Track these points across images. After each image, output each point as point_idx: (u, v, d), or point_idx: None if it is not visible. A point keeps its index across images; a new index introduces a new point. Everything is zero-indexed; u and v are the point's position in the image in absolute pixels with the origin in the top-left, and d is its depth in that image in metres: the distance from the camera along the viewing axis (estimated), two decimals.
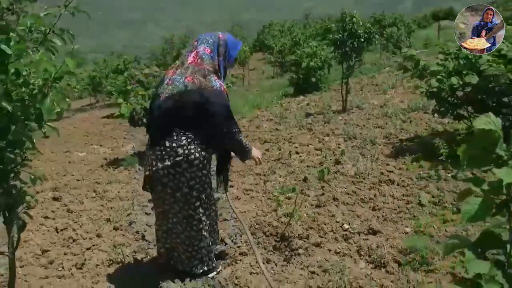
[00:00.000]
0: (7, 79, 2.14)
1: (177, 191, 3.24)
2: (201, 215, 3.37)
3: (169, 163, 3.19)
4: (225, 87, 3.32)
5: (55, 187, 6.49)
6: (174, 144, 3.19)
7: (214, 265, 3.57)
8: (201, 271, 3.51)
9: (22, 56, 2.14)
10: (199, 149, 3.22)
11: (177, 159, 3.18)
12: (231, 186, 5.68)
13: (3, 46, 1.97)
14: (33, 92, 2.21)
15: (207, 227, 3.45)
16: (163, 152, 3.22)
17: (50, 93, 2.20)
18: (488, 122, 1.59)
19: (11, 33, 2.03)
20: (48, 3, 2.59)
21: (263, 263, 3.75)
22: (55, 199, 5.95)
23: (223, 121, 3.24)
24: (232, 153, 3.65)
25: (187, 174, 3.21)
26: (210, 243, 3.54)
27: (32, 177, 2.68)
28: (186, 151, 3.18)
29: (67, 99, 2.28)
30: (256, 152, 3.59)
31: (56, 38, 2.49)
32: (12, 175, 2.68)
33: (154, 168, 3.27)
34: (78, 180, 6.93)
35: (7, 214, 2.75)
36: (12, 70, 2.16)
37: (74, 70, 2.20)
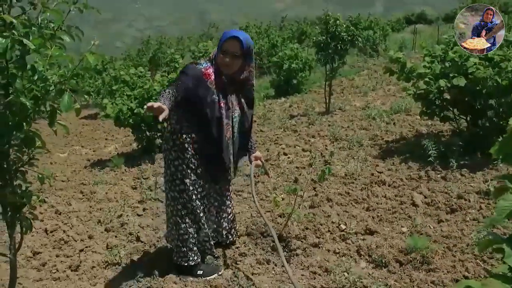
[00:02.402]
0: (24, 74, 2.10)
1: (168, 168, 3.44)
2: (185, 200, 3.42)
3: (164, 137, 3.51)
4: (211, 73, 3.34)
5: (40, 188, 6.34)
6: (168, 121, 3.43)
7: (199, 260, 3.57)
8: (185, 264, 3.53)
9: (40, 51, 2.09)
10: (182, 131, 3.35)
11: (167, 135, 3.45)
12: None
13: (26, 41, 1.92)
14: (50, 89, 2.16)
15: (193, 217, 3.46)
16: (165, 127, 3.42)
17: (68, 90, 2.15)
18: None
19: (32, 28, 1.99)
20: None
21: (264, 263, 3.76)
22: (41, 200, 5.82)
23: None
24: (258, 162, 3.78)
25: (172, 152, 3.39)
26: (197, 235, 3.53)
27: (40, 176, 2.62)
28: (172, 129, 3.39)
29: (86, 96, 2.23)
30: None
31: (65, 35, 2.44)
32: (18, 174, 2.62)
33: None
34: (63, 181, 6.81)
35: (9, 214, 2.69)
36: (29, 66, 2.11)
37: (94, 66, 2.16)
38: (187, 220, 3.45)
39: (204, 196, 3.56)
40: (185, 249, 3.50)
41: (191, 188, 3.40)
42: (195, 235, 3.52)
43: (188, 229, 3.47)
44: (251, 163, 3.80)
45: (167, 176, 3.47)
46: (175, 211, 3.46)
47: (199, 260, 3.58)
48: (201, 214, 3.51)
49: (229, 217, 3.85)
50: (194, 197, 3.43)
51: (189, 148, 3.37)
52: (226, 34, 3.38)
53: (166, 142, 3.44)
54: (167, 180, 3.47)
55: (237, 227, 4.12)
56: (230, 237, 3.93)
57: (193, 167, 3.40)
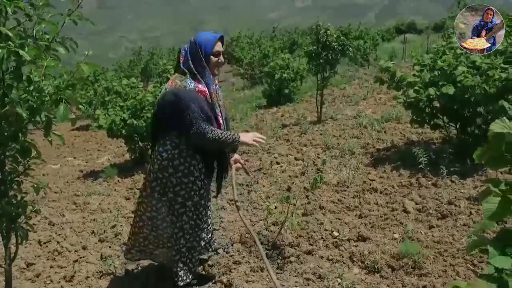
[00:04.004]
0: (20, 85, 2.14)
1: (164, 196, 3.30)
2: (183, 223, 3.35)
3: (157, 167, 3.27)
4: (204, 89, 3.22)
5: (33, 199, 6.33)
6: (160, 149, 3.27)
7: (193, 277, 3.54)
8: (181, 284, 3.47)
9: (36, 62, 2.13)
10: (184, 154, 3.24)
11: (163, 163, 3.24)
12: (214, 197, 5.66)
13: (22, 52, 1.96)
14: (45, 99, 2.19)
15: (188, 237, 3.41)
16: (153, 156, 3.33)
17: (63, 100, 2.19)
18: (503, 126, 1.67)
19: (28, 39, 2.03)
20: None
21: (258, 271, 3.79)
22: (36, 210, 5.82)
23: (191, 121, 3.10)
24: (237, 164, 3.67)
25: (173, 179, 3.25)
26: (189, 254, 3.48)
27: (35, 186, 2.65)
28: (170, 156, 3.23)
29: (81, 106, 2.27)
30: (247, 137, 3.30)
31: (60, 46, 2.48)
32: (13, 184, 2.65)
33: (147, 171, 3.38)
34: (56, 193, 6.81)
35: (5, 225, 2.71)
36: (25, 77, 2.15)
37: (87, 77, 2.20)
38: (181, 241, 3.42)
39: (204, 215, 3.54)
40: (178, 267, 3.48)
41: (192, 209, 3.34)
42: (187, 254, 3.47)
43: (181, 249, 3.43)
44: (230, 167, 3.70)
45: (161, 203, 3.34)
46: (171, 232, 3.41)
47: (191, 277, 3.55)
48: (199, 232, 3.48)
49: (209, 227, 3.77)
50: (195, 216, 3.38)
51: (194, 170, 3.29)
52: (209, 37, 3.32)
53: (163, 170, 3.25)
54: (162, 206, 3.35)
55: (215, 239, 4.09)
56: (209, 248, 3.83)
57: (197, 188, 3.32)
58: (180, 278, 3.45)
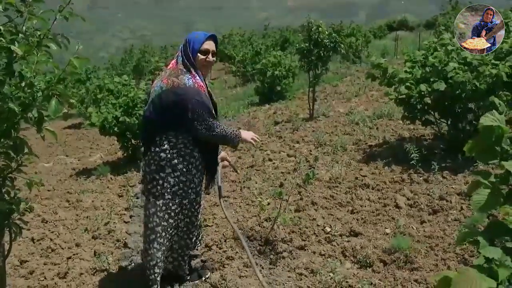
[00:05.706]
0: (12, 81, 2.13)
1: (159, 199, 3.23)
2: (179, 221, 3.35)
3: (154, 168, 3.21)
4: (202, 83, 3.22)
5: (25, 197, 6.31)
6: (157, 149, 3.20)
7: (185, 273, 3.59)
8: (182, 274, 3.55)
9: (27, 58, 2.13)
10: (182, 153, 3.20)
11: (161, 163, 3.19)
12: (207, 194, 5.67)
13: (13, 47, 1.96)
14: (37, 95, 2.19)
15: (182, 234, 3.42)
16: (149, 157, 3.24)
17: (55, 95, 2.19)
18: (493, 119, 1.70)
19: (20, 35, 2.03)
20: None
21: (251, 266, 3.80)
22: (29, 207, 5.81)
23: (197, 117, 3.12)
24: (225, 162, 3.67)
25: (170, 180, 3.21)
26: (185, 252, 3.51)
27: (28, 181, 2.65)
28: (169, 156, 3.18)
29: (73, 101, 2.28)
30: (247, 134, 3.41)
31: (51, 42, 2.47)
32: (6, 181, 2.64)
33: (142, 173, 3.32)
34: (48, 191, 6.80)
35: None
36: (16, 73, 2.15)
37: (80, 71, 2.20)
38: (176, 240, 3.43)
39: (198, 210, 3.51)
40: (170, 268, 3.53)
41: (188, 206, 3.34)
42: (180, 252, 3.50)
43: (177, 248, 3.46)
44: (217, 165, 3.66)
45: (155, 207, 3.25)
46: (164, 233, 3.34)
47: (183, 273, 3.59)
48: (192, 229, 3.48)
49: (198, 223, 3.75)
50: (190, 213, 3.38)
51: (193, 168, 3.27)
52: (198, 35, 3.29)
53: (160, 171, 3.21)
54: (158, 211, 3.26)
55: (207, 234, 4.10)
56: (198, 243, 3.82)
57: (194, 185, 3.31)
58: (183, 278, 3.52)
